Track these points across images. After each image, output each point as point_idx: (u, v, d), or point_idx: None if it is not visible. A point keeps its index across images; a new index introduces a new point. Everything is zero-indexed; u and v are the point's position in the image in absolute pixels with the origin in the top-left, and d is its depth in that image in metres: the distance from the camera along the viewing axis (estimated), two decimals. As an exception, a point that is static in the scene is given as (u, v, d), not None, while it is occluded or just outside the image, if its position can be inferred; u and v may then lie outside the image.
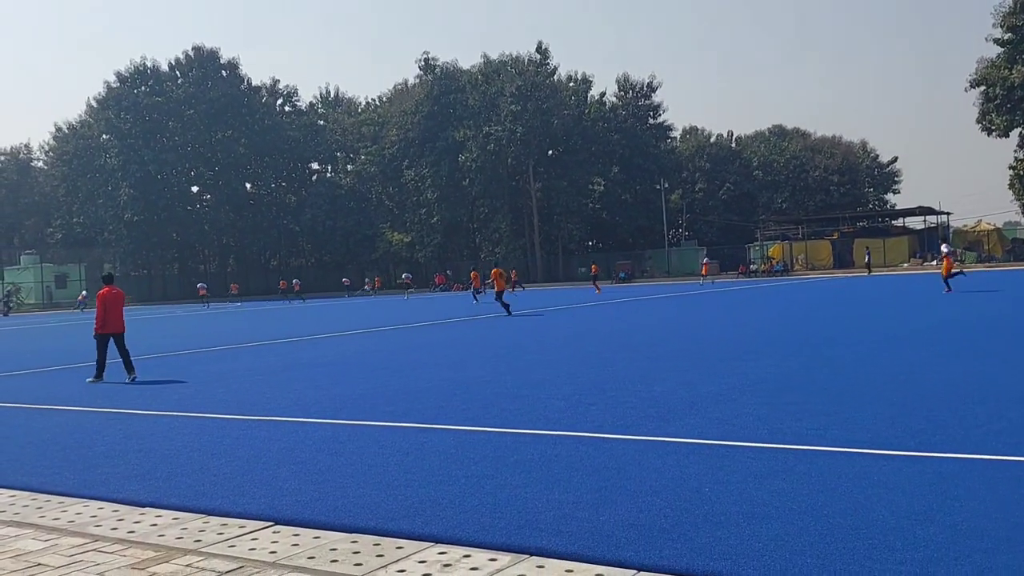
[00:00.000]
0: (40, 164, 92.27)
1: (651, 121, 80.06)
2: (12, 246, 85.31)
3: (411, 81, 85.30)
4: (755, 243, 71.35)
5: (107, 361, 13.46)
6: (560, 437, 7.26)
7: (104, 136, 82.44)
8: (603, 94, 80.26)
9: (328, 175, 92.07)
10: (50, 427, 9.20)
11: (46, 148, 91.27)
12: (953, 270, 28.59)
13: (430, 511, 5.29)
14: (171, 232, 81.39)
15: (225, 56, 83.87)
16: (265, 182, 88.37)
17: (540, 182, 76.31)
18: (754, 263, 65.82)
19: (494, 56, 78.54)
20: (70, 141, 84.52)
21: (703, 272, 51.07)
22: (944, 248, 31.53)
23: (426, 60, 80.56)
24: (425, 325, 24.38)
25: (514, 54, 78.05)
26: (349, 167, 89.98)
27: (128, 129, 78.96)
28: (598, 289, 45.20)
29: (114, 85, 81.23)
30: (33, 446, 8.11)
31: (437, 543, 4.73)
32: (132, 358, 13.71)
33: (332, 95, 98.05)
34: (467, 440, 7.35)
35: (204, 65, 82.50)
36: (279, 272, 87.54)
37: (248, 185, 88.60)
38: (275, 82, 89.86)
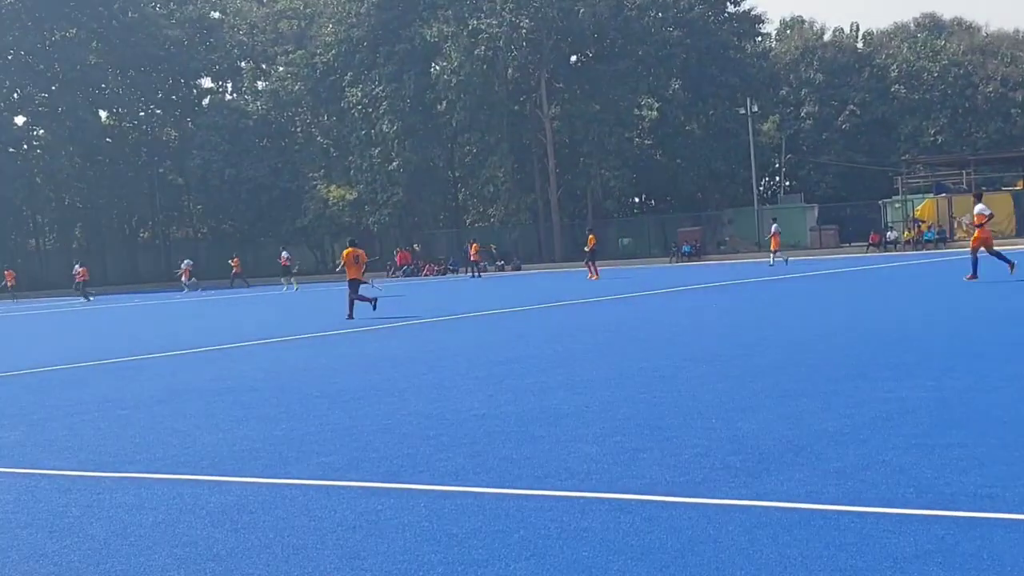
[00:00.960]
0: None
1: (731, 8, 79.85)
2: None
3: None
4: (894, 198, 71.29)
5: None
6: (591, 502, 7.21)
7: None
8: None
9: (228, 98, 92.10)
10: None
11: None
12: None
13: (390, 618, 5.27)
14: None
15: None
16: (131, 109, 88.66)
17: (558, 105, 76.13)
18: (892, 229, 65.75)
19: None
20: None
21: (772, 246, 50.24)
22: None
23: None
24: (382, 328, 24.34)
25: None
26: (260, 84, 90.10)
27: (-86, 27, 79.08)
28: (593, 273, 45.43)
29: None
30: None
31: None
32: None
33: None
34: (447, 507, 7.31)
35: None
36: (154, 249, 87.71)
37: (103, 114, 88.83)
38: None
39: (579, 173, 76.51)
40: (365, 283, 29.70)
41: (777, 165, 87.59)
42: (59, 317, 41.69)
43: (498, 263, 70.33)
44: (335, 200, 79.98)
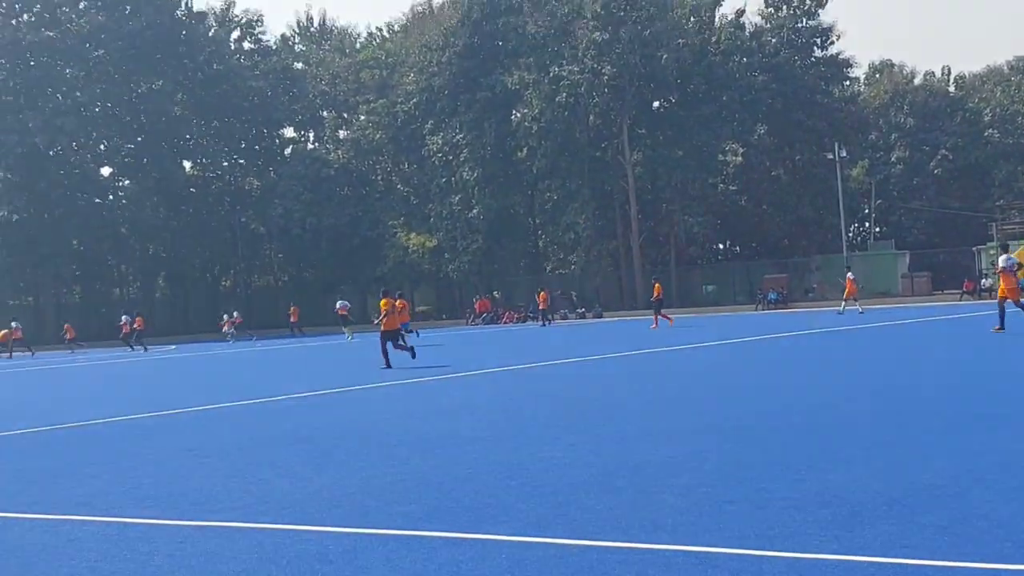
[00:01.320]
0: None
1: (818, 53, 79.58)
2: None
3: (438, 0, 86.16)
4: (989, 245, 70.16)
5: None
6: (677, 554, 7.09)
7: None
8: (740, 12, 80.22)
9: (310, 147, 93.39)
10: None
11: None
12: None
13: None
14: (70, 238, 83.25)
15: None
16: (214, 159, 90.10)
17: (640, 151, 76.21)
18: (987, 276, 64.65)
19: (566, -45, 78.99)
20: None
21: (846, 294, 49.71)
22: None
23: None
24: (457, 377, 24.39)
25: (597, -48, 78.42)
26: (342, 133, 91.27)
27: (3, 81, 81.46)
28: (656, 323, 45.45)
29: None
30: None
31: None
32: None
33: (316, 24, 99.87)
34: (529, 558, 7.23)
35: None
36: (235, 297, 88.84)
37: (188, 164, 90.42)
38: (228, 5, 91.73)
39: (662, 219, 76.40)
40: (410, 331, 29.95)
41: (867, 211, 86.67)
42: (141, 366, 42.32)
43: (579, 310, 70.19)
44: (415, 247, 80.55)
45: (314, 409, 19.11)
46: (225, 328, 66.98)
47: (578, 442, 12.56)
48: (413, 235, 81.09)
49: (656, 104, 78.07)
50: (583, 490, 9.52)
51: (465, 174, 77.19)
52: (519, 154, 76.86)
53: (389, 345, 28.03)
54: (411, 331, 38.83)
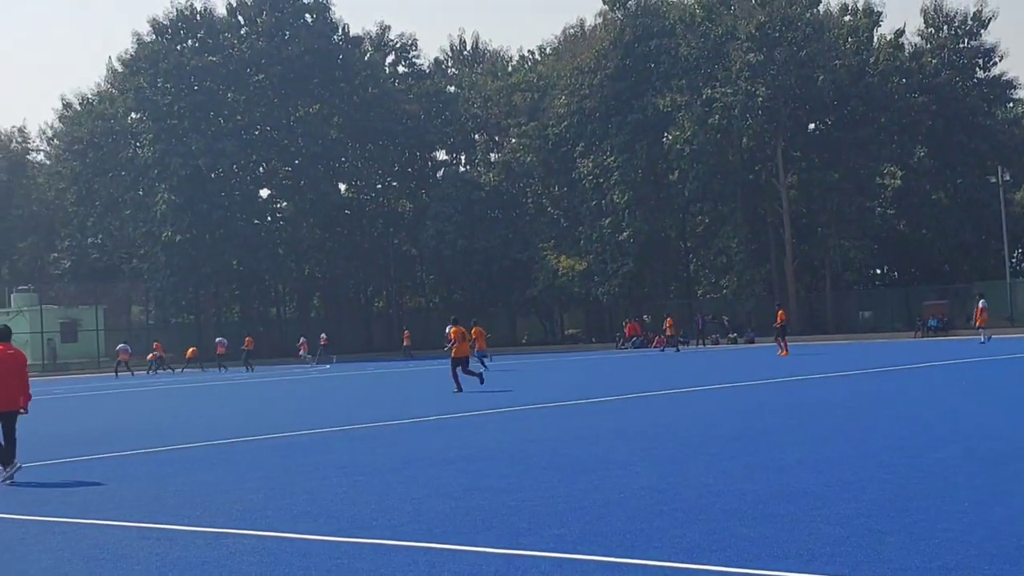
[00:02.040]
0: (40, 157, 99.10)
1: (981, 74, 77.63)
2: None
3: (590, 22, 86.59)
4: None
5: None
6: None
7: (133, 115, 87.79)
8: (900, 33, 78.54)
9: (461, 169, 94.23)
10: (61, 546, 9.80)
11: (49, 133, 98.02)
12: None
13: None
14: (230, 258, 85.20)
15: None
16: (368, 181, 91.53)
17: (795, 174, 75.23)
18: None
19: (721, -22, 78.53)
20: (83, 123, 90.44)
21: (977, 320, 48.91)
22: None
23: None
24: (607, 401, 24.39)
25: (754, -27, 77.83)
26: (493, 156, 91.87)
27: (168, 104, 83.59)
28: (783, 350, 45.20)
29: (147, 39, 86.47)
30: (47, 573, 8.64)
31: None
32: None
33: (469, 47, 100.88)
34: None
35: (280, 7, 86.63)
36: (387, 318, 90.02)
37: (343, 186, 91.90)
38: (384, 30, 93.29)
39: (816, 243, 75.20)
40: (486, 357, 30.55)
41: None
42: (293, 384, 43.11)
43: (730, 335, 69.46)
44: (564, 270, 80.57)
45: (460, 430, 19.33)
46: (302, 352, 67.74)
47: (731, 469, 12.50)
48: (563, 258, 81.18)
49: (811, 126, 76.94)
50: (736, 517, 9.48)
51: (616, 197, 77.07)
52: (671, 177, 76.57)
53: (467, 368, 29.65)
54: (487, 357, 39.44)
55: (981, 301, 49.93)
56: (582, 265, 79.82)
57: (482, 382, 29.06)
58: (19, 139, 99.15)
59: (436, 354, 70.10)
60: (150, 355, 66.55)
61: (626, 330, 71.37)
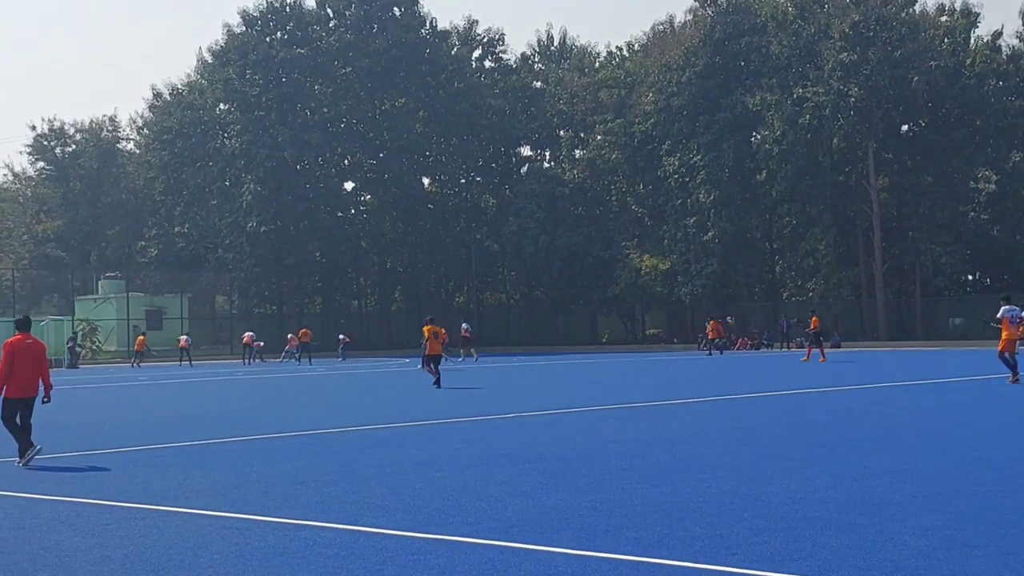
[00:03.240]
0: (130, 146, 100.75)
1: (1080, 76, 76.16)
2: (88, 266, 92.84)
3: (679, 19, 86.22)
4: None
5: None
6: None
7: (221, 105, 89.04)
8: (997, 34, 77.28)
9: (546, 165, 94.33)
10: (136, 535, 9.99)
11: (139, 123, 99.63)
12: None
13: None
14: (313, 250, 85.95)
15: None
16: (452, 176, 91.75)
17: (886, 177, 74.42)
18: None
19: (814, -25, 77.82)
20: (173, 113, 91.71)
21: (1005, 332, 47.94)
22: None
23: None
24: (690, 403, 24.34)
25: (848, -29, 77.05)
26: (578, 153, 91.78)
27: (255, 96, 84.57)
28: (809, 355, 45.97)
29: (237, 30, 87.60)
30: (112, 564, 8.80)
31: None
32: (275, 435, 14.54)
33: (556, 43, 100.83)
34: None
35: (369, 0, 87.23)
36: (468, 314, 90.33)
37: (427, 181, 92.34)
38: (471, 24, 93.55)
39: (907, 247, 74.26)
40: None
41: None
42: (371, 377, 43.39)
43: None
44: (647, 270, 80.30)
45: (539, 428, 19.39)
46: (288, 347, 67.58)
47: (815, 476, 12.43)
48: (646, 257, 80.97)
49: (904, 128, 76.03)
50: (819, 526, 9.41)
51: (701, 196, 76.68)
52: (758, 177, 76.02)
53: (436, 366, 32.78)
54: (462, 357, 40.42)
55: (1006, 305, 49.13)
56: (665, 265, 79.55)
57: (438, 387, 31.29)
58: (110, 128, 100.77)
59: (510, 351, 70.61)
60: (287, 344, 67.39)
61: (708, 330, 70.74)
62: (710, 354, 59.19)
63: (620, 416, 21.69)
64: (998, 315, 29.10)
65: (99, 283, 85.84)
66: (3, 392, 15.52)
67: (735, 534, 9.16)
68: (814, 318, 47.94)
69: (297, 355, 64.55)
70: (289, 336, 68.43)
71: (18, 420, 15.58)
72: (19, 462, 15.33)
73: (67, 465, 15.50)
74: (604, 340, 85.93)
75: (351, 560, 8.62)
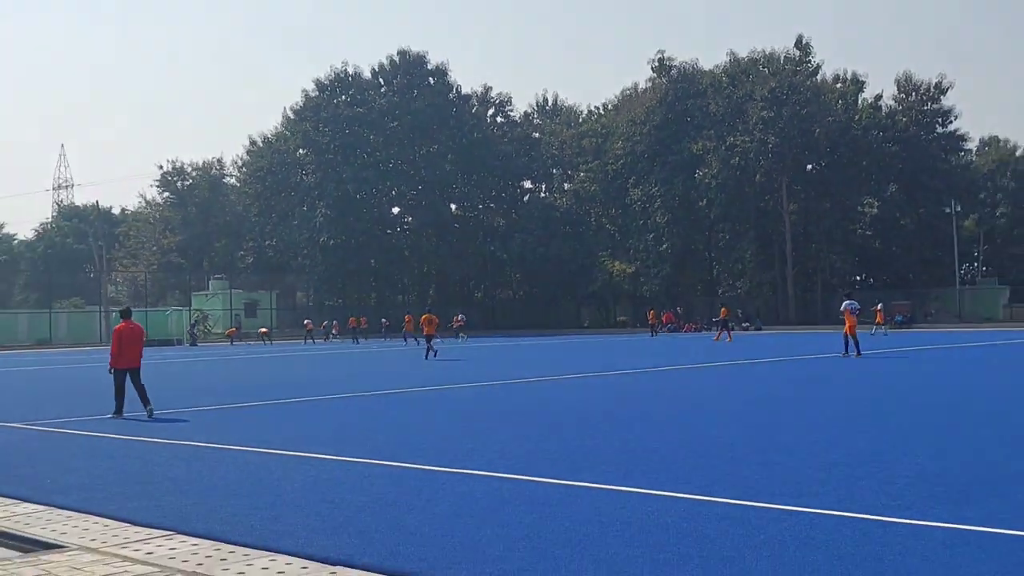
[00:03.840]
0: (232, 180, 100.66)
1: (939, 130, 76.08)
2: (201, 269, 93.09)
3: (641, 85, 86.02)
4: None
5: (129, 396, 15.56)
6: (819, 517, 6.92)
7: (300, 151, 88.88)
8: (878, 97, 77.38)
9: (542, 195, 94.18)
10: (234, 470, 9.91)
11: (239, 163, 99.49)
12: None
13: (658, 596, 5.19)
14: (369, 258, 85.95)
15: (433, 61, 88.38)
16: (472, 203, 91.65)
17: (796, 203, 74.40)
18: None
19: (743, 54, 77.80)
20: (264, 156, 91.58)
21: (877, 319, 47.83)
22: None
23: (660, 60, 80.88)
24: (651, 371, 24.22)
25: (768, 51, 77.05)
26: (566, 186, 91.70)
27: (326, 143, 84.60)
28: (719, 337, 46.07)
29: (312, 94, 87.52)
30: (218, 490, 8.74)
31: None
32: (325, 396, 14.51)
33: (550, 103, 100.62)
34: (700, 512, 7.19)
35: (410, 71, 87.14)
36: (483, 306, 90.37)
37: (453, 206, 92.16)
38: (487, 90, 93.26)
39: (811, 255, 74.35)
40: (437, 338, 35.35)
41: (976, 254, 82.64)
42: (414, 353, 43.07)
43: (743, 324, 68.76)
44: (618, 272, 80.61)
45: (535, 391, 19.12)
46: (333, 331, 68.09)
47: (739, 426, 12.28)
48: (616, 263, 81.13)
49: (809, 167, 75.97)
50: (743, 463, 9.32)
51: (658, 218, 76.83)
52: (700, 203, 76.00)
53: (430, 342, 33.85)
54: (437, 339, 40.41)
55: (880, 303, 50.03)
56: (631, 269, 79.76)
57: (426, 357, 32.38)
58: (217, 167, 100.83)
59: (514, 333, 70.59)
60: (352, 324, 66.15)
61: (663, 318, 70.07)
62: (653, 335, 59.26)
63: (590, 384, 21.60)
64: (841, 307, 29.49)
65: (209, 282, 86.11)
66: (115, 364, 15.68)
67: (679, 469, 9.12)
68: (723, 308, 49.42)
69: (334, 336, 64.89)
70: (335, 322, 69.84)
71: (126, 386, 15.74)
72: (145, 412, 15.37)
73: (185, 417, 15.48)
74: (585, 325, 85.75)
75: (397, 485, 8.63)
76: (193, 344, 64.72)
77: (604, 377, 22.86)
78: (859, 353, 27.55)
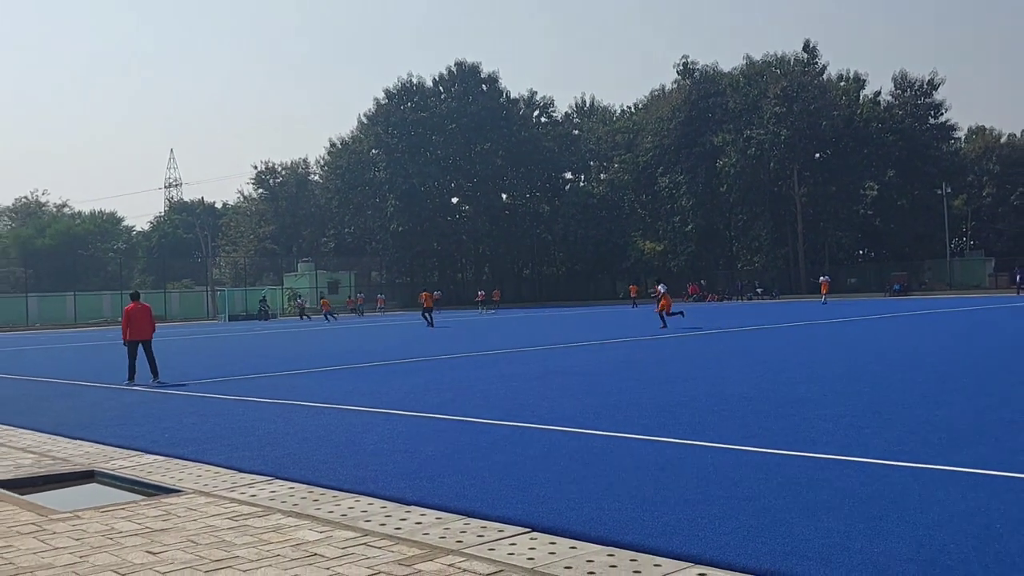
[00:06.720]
0: (316, 178, 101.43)
1: (931, 121, 74.23)
2: (291, 254, 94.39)
3: (668, 86, 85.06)
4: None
5: (140, 364, 15.99)
6: (827, 461, 6.87)
7: (373, 151, 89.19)
8: (877, 93, 75.69)
9: (581, 184, 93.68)
10: (323, 424, 10.06)
11: (322, 163, 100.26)
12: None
13: (687, 530, 5.20)
14: (432, 242, 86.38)
15: (485, 70, 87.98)
16: (520, 192, 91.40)
17: (805, 187, 73.25)
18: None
19: (757, 57, 76.64)
20: (343, 156, 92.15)
21: (823, 289, 47.71)
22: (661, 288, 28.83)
23: (684, 64, 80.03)
24: (678, 337, 24.01)
25: (779, 54, 75.95)
26: (602, 176, 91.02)
27: (395, 144, 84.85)
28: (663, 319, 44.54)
29: (383, 102, 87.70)
30: (310, 442, 8.90)
31: (696, 564, 4.65)
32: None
33: (587, 104, 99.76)
34: (725, 459, 7.16)
35: (466, 80, 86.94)
36: (531, 281, 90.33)
37: (504, 196, 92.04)
38: (532, 94, 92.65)
39: (819, 234, 73.27)
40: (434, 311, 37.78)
41: (964, 230, 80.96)
42: (465, 323, 43.27)
43: (759, 292, 68.41)
44: (648, 251, 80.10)
45: (583, 354, 18.99)
46: (379, 304, 67.21)
47: (759, 383, 12.17)
48: (647, 242, 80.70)
49: (817, 155, 74.72)
50: (762, 416, 9.25)
51: (683, 202, 76.14)
52: (721, 189, 75.15)
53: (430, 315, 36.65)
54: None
55: (825, 276, 50.21)
56: (660, 247, 79.33)
57: (431, 326, 34.39)
58: (303, 166, 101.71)
59: (558, 304, 70.51)
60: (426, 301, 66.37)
61: (689, 290, 70.02)
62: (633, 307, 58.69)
63: (628, 347, 21.44)
64: (660, 290, 29.18)
65: (298, 264, 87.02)
66: (126, 337, 15.95)
67: (707, 421, 9.10)
68: (691, 286, 48.13)
69: (366, 311, 64.60)
70: (381, 296, 70.14)
71: (138, 356, 15.95)
72: (152, 380, 15.53)
73: (281, 380, 15.58)
74: (621, 297, 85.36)
75: (460, 436, 8.71)
76: (265, 318, 61.71)
77: (621, 344, 22.72)
78: (665, 325, 27.60)
